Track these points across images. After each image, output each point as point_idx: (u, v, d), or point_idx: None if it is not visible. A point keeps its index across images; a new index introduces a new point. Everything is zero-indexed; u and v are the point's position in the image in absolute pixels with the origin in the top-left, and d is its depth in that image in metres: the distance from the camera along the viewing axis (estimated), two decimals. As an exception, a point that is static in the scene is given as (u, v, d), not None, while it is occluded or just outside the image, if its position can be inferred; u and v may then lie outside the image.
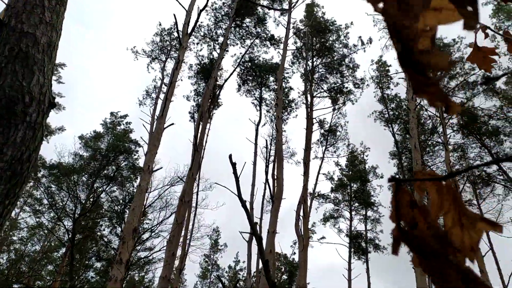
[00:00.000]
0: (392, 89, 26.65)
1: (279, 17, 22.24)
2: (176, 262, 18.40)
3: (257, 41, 22.38)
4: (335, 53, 22.81)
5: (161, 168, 13.70)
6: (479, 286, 0.35)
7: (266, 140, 20.95)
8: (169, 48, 23.42)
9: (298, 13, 45.02)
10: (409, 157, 22.14)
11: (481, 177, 21.27)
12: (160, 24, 24.58)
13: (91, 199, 21.95)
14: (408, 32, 0.35)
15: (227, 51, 22.22)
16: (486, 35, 1.04)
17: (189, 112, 23.03)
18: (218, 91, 21.37)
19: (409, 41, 0.36)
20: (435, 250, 0.37)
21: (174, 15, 12.16)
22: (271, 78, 22.44)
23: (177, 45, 22.85)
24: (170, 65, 23.08)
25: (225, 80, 20.80)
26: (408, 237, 0.38)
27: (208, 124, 21.83)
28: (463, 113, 21.40)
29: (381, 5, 0.36)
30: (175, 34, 22.96)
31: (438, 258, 0.36)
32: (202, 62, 22.55)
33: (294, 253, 29.76)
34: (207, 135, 21.27)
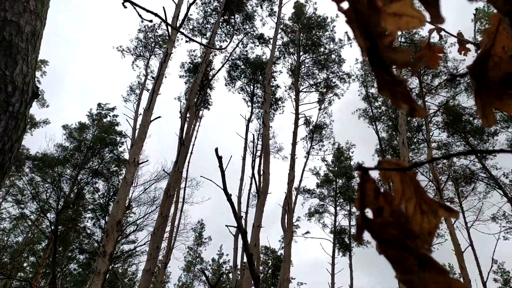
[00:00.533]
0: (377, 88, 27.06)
1: (266, 17, 22.21)
2: (161, 256, 18.38)
3: (245, 39, 22.37)
4: (322, 48, 22.90)
5: (147, 161, 13.55)
6: (434, 269, 0.36)
7: (253, 135, 20.99)
8: (153, 45, 23.21)
9: (288, 9, 44.92)
10: (393, 155, 22.47)
11: (464, 175, 21.68)
12: (142, 21, 24.18)
13: (75, 191, 21.73)
14: (376, 28, 0.37)
15: (221, 49, 22.13)
16: (441, 37, 1.07)
17: (180, 112, 22.89)
18: (206, 87, 21.34)
19: (377, 37, 0.37)
20: (394, 237, 0.38)
21: (164, 7, 12.02)
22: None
23: (160, 42, 22.84)
24: (153, 61, 23.01)
25: (213, 75, 20.73)
26: (369, 225, 0.40)
27: (197, 122, 21.84)
28: (449, 111, 21.72)
29: (344, 4, 0.38)
30: (159, 31, 22.95)
31: (397, 245, 0.37)
32: (194, 61, 22.43)
33: (282, 247, 29.95)
34: (197, 131, 21.20)
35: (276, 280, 29.24)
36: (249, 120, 20.98)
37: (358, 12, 0.37)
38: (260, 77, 22.12)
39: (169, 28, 12.21)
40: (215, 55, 22.69)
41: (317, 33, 22.87)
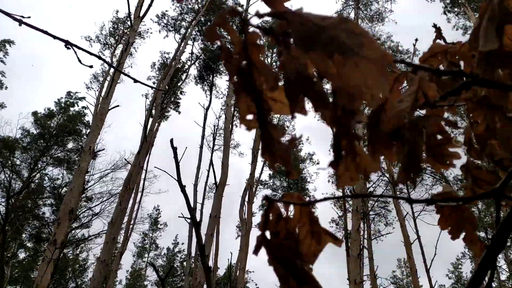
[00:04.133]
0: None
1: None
2: (118, 245, 18.20)
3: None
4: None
5: (104, 149, 13.29)
6: (312, 285, 0.44)
7: (214, 126, 21.02)
8: (121, 35, 22.69)
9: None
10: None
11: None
12: (117, 12, 23.36)
13: (32, 178, 21.10)
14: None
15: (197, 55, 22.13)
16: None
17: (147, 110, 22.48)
18: (176, 84, 21.46)
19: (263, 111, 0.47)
20: (284, 255, 0.46)
21: (127, -4, 11.75)
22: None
23: (127, 31, 22.46)
24: (119, 51, 22.63)
25: (186, 74, 20.77)
26: (267, 244, 0.48)
27: (163, 121, 21.81)
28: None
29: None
30: (128, 23, 22.56)
31: (286, 262, 0.46)
32: (167, 62, 22.07)
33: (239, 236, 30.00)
34: (155, 128, 20.98)
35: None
36: (207, 109, 20.92)
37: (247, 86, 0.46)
38: (220, 67, 21.92)
39: (132, 17, 11.98)
40: (184, 51, 22.65)
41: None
